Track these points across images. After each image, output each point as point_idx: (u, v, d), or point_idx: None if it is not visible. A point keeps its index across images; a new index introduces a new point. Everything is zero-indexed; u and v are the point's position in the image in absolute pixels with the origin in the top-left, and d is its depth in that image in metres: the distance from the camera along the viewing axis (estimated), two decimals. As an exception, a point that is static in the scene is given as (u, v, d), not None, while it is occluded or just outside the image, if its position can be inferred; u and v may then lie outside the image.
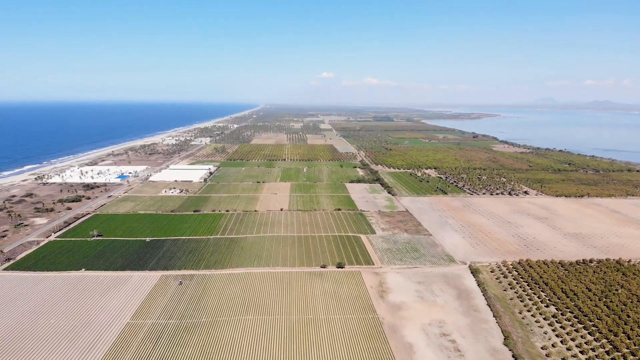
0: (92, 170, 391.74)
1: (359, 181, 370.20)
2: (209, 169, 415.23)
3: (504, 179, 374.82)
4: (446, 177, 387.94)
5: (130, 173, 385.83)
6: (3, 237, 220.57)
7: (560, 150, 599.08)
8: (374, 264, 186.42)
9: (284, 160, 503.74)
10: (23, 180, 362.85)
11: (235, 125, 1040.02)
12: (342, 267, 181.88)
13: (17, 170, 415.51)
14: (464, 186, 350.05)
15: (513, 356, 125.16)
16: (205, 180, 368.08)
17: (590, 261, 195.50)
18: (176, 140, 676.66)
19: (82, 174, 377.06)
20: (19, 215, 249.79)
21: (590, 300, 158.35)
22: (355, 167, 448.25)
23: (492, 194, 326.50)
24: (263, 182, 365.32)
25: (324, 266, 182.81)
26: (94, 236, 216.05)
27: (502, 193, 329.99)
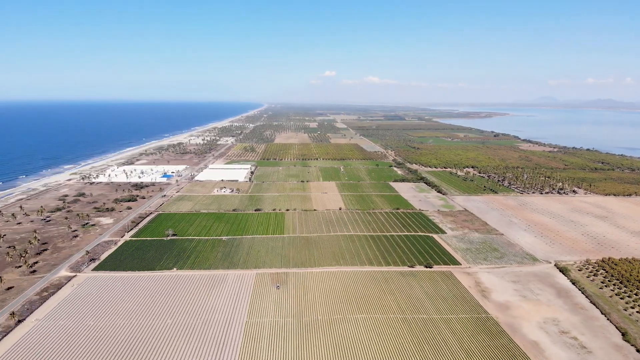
0: (135, 170, 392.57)
1: (402, 180, 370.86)
2: (249, 168, 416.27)
3: (548, 178, 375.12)
4: (489, 176, 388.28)
5: (172, 172, 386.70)
6: (75, 236, 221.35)
7: (588, 149, 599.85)
8: (460, 264, 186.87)
9: (316, 159, 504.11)
10: (68, 180, 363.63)
11: (251, 125, 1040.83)
12: (430, 267, 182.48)
13: (56, 170, 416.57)
14: (510, 185, 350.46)
15: (637, 351, 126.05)
16: (250, 179, 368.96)
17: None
18: (202, 140, 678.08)
19: (126, 173, 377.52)
20: (87, 215, 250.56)
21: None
22: (392, 166, 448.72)
23: (541, 193, 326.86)
24: (307, 182, 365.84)
25: (412, 266, 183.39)
26: (169, 235, 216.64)
27: (551, 192, 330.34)
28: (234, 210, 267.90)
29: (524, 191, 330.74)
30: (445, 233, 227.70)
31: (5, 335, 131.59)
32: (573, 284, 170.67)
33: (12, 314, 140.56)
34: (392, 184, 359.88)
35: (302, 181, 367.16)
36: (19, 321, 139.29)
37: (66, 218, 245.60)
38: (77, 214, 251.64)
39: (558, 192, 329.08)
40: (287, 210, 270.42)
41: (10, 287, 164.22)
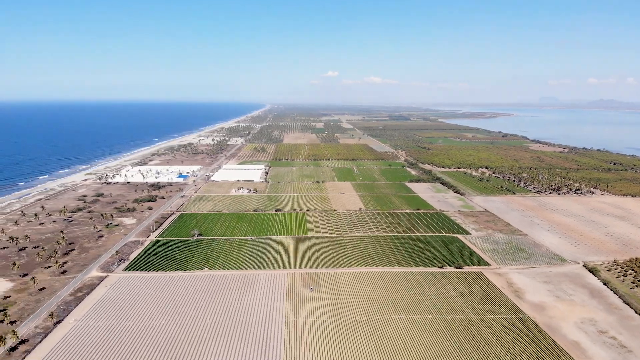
0: (150, 170, 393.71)
1: (418, 181, 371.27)
2: (263, 168, 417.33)
3: (564, 179, 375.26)
4: (504, 176, 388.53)
5: (188, 173, 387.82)
6: (100, 237, 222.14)
7: (599, 150, 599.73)
8: (490, 265, 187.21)
9: (328, 159, 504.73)
10: (84, 180, 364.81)
11: (257, 125, 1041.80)
12: (460, 268, 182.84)
13: (71, 170, 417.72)
14: (526, 185, 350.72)
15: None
16: (265, 179, 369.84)
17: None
18: (212, 140, 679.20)
19: (142, 173, 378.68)
20: (111, 215, 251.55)
21: None
22: (405, 167, 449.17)
23: (558, 194, 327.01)
24: (323, 182, 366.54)
25: (442, 267, 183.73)
26: (194, 235, 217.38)
27: (568, 192, 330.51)
28: (254, 210, 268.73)
29: (541, 191, 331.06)
30: (470, 234, 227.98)
31: (45, 336, 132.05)
32: (604, 284, 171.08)
33: (51, 314, 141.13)
34: (408, 184, 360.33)
35: (318, 181, 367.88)
36: (57, 322, 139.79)
37: (91, 219, 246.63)
38: (101, 214, 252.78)
39: (575, 193, 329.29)
40: (308, 210, 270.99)
41: (43, 288, 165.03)
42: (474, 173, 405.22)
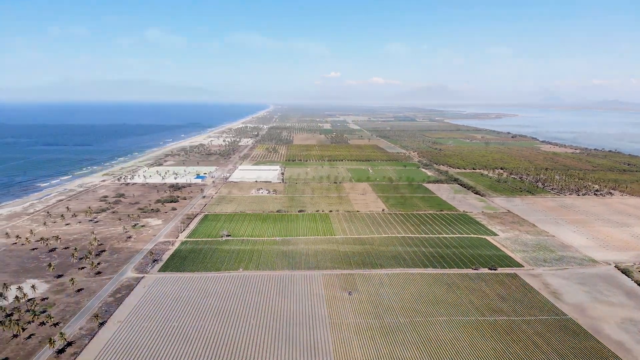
0: (168, 171, 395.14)
1: (436, 182, 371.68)
2: (279, 169, 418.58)
3: (581, 180, 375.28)
4: (520, 177, 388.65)
5: (205, 174, 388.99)
6: (129, 237, 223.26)
7: (610, 151, 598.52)
8: (523, 266, 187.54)
9: (341, 160, 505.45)
10: (102, 181, 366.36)
11: (265, 126, 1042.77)
12: (494, 270, 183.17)
13: (86, 172, 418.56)
14: (544, 187, 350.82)
15: None
16: (282, 180, 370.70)
17: None
18: (223, 141, 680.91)
19: (160, 174, 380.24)
20: (138, 216, 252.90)
21: None
22: (419, 168, 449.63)
23: (578, 195, 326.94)
24: (340, 183, 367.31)
25: (476, 268, 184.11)
26: (224, 236, 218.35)
27: (587, 193, 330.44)
28: (277, 211, 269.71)
29: (560, 193, 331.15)
30: (497, 235, 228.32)
31: (92, 339, 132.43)
32: (639, 285, 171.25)
33: (96, 316, 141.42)
34: (426, 185, 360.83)
35: (335, 182, 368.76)
36: (101, 323, 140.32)
37: (119, 219, 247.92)
38: (128, 215, 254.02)
39: (595, 194, 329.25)
40: (330, 211, 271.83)
41: (81, 289, 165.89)
42: (490, 174, 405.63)
